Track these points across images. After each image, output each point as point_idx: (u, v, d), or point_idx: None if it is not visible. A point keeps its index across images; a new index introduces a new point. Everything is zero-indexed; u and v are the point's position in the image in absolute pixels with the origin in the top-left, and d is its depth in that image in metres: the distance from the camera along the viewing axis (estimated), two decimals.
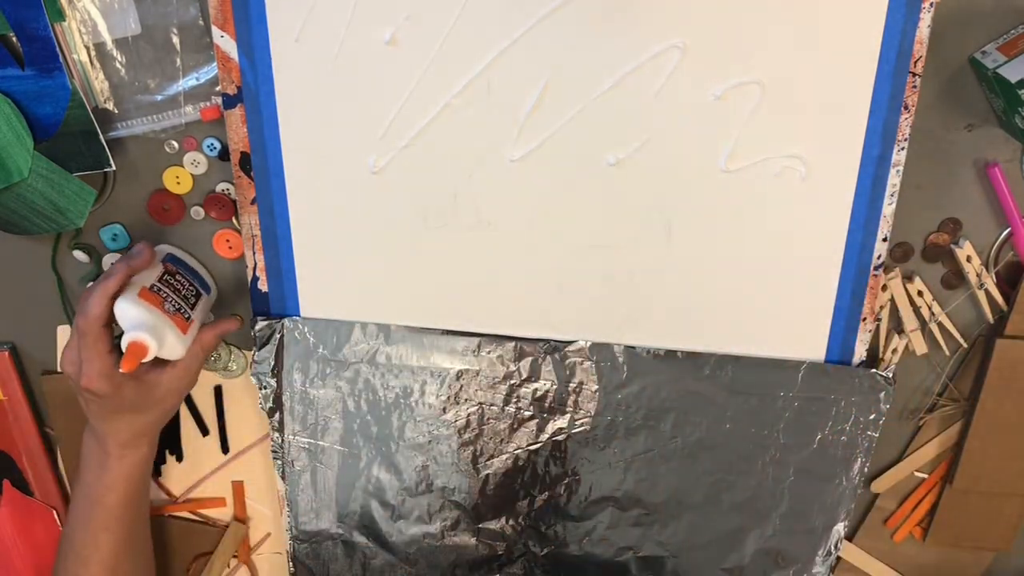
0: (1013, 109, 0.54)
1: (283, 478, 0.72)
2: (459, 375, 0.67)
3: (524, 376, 0.67)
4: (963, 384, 0.68)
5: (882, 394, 0.64)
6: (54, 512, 0.77)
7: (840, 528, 0.68)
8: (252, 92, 0.60)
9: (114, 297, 0.58)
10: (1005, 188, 0.60)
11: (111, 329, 0.59)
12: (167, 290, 0.62)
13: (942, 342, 0.66)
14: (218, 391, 0.73)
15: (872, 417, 0.65)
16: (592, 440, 0.68)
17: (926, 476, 0.72)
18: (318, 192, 0.63)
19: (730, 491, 0.68)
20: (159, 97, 0.61)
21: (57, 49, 0.57)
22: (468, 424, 0.69)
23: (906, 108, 0.56)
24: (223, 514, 0.78)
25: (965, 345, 0.66)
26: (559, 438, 0.68)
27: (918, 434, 0.70)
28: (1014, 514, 0.71)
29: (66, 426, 0.74)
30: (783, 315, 0.63)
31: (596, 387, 0.66)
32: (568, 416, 0.67)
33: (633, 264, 0.63)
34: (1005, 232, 0.62)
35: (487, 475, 0.70)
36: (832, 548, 0.69)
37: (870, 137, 0.57)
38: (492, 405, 0.68)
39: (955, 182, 0.61)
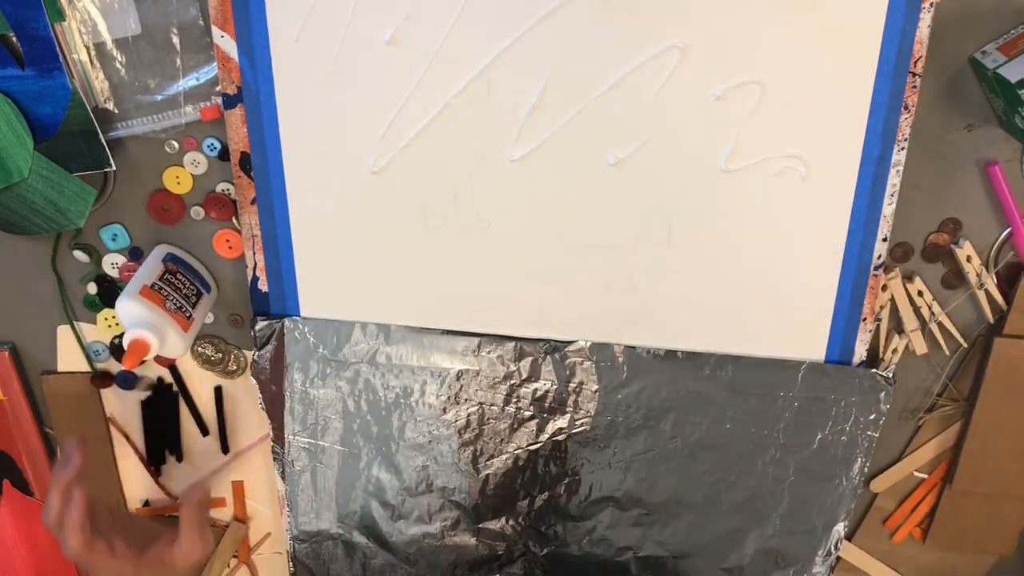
0: (1013, 109, 0.54)
1: (283, 478, 0.72)
2: (459, 375, 0.67)
3: (524, 376, 0.67)
4: (963, 384, 0.68)
5: (882, 394, 0.64)
6: None
7: (840, 528, 0.68)
8: (252, 92, 0.60)
9: (74, 524, 0.58)
10: (1005, 188, 0.60)
11: (102, 542, 0.58)
12: (168, 289, 0.62)
13: (942, 342, 0.66)
14: (218, 391, 0.73)
15: (872, 417, 0.65)
16: (592, 440, 0.68)
17: (926, 476, 0.71)
18: (318, 192, 0.63)
19: (730, 491, 0.68)
20: (159, 97, 0.61)
21: (57, 49, 0.57)
22: (468, 424, 0.69)
23: (906, 108, 0.56)
24: (223, 514, 0.78)
25: (965, 345, 0.66)
26: (559, 438, 0.68)
27: (917, 434, 0.70)
28: (1015, 517, 0.71)
29: (66, 426, 0.74)
30: (783, 315, 0.63)
31: (596, 387, 0.66)
32: (568, 416, 0.67)
33: (633, 264, 0.63)
34: (1005, 232, 0.62)
35: (487, 475, 0.70)
36: (832, 548, 0.69)
37: (870, 137, 0.57)
38: (492, 405, 0.68)
39: (955, 182, 0.61)
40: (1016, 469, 0.68)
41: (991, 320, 0.65)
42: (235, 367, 0.71)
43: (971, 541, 0.72)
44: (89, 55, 0.59)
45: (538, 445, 0.68)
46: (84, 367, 0.73)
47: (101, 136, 0.60)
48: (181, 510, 0.62)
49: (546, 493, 0.70)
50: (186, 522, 0.61)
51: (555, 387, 0.67)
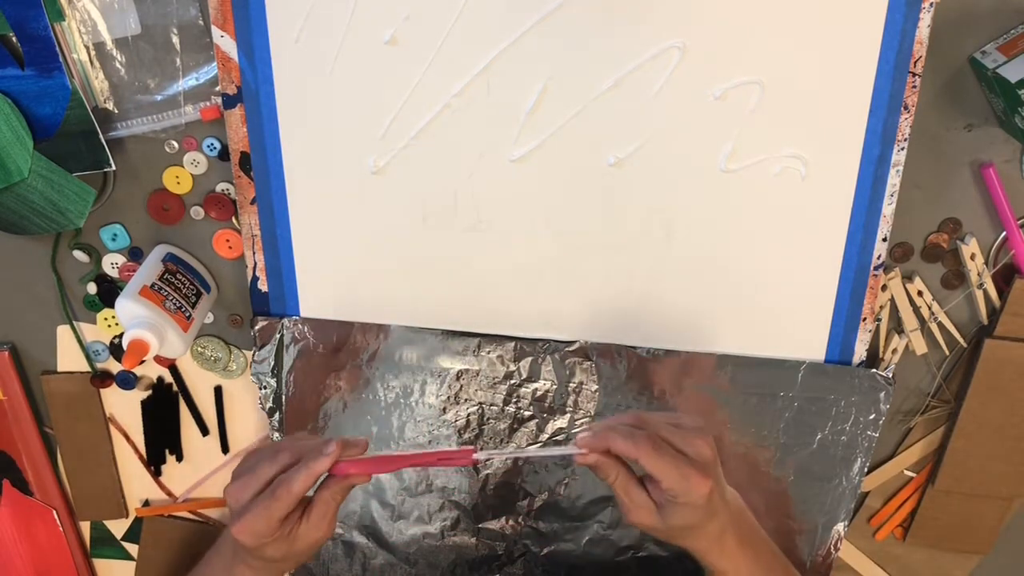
0: (1013, 109, 0.54)
1: None
2: (459, 375, 0.67)
3: (524, 376, 0.67)
4: (955, 385, 0.68)
5: (882, 394, 0.64)
6: (54, 512, 0.77)
7: (840, 528, 0.68)
8: (252, 92, 0.60)
9: (316, 479, 0.52)
10: (1000, 190, 0.60)
11: (295, 510, 0.53)
12: (168, 289, 0.62)
13: (942, 342, 0.66)
14: (218, 391, 0.73)
15: (872, 417, 0.65)
16: None
17: (915, 475, 0.71)
18: (318, 192, 0.63)
19: None
20: (159, 97, 0.61)
21: (57, 49, 0.57)
22: (468, 424, 0.69)
23: (906, 108, 0.56)
24: (223, 514, 0.78)
25: (965, 345, 0.66)
26: (559, 438, 0.68)
27: (910, 433, 0.70)
28: (994, 517, 0.71)
29: (66, 426, 0.74)
30: (783, 315, 0.63)
31: (596, 387, 0.66)
32: (568, 416, 0.67)
33: (633, 264, 0.63)
34: (1003, 235, 0.62)
35: (487, 475, 0.70)
36: (832, 548, 0.69)
37: (870, 137, 0.57)
38: (492, 405, 0.68)
39: (955, 182, 0.61)
40: (998, 470, 0.68)
41: (985, 321, 0.65)
42: (235, 367, 0.71)
43: (950, 540, 0.72)
44: (89, 55, 0.59)
45: (538, 445, 0.68)
46: (84, 367, 0.73)
47: (101, 136, 0.60)
48: (321, 490, 0.54)
49: (546, 493, 0.70)
50: (322, 503, 0.54)
51: (555, 387, 0.67)
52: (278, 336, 0.67)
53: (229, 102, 0.60)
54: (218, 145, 0.63)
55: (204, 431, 0.74)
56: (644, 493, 0.51)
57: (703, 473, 0.49)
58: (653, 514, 0.51)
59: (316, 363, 0.68)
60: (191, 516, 0.78)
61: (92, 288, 0.69)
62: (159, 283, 0.62)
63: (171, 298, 0.62)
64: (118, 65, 0.60)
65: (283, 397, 0.69)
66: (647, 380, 0.66)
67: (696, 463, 0.50)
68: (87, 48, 0.59)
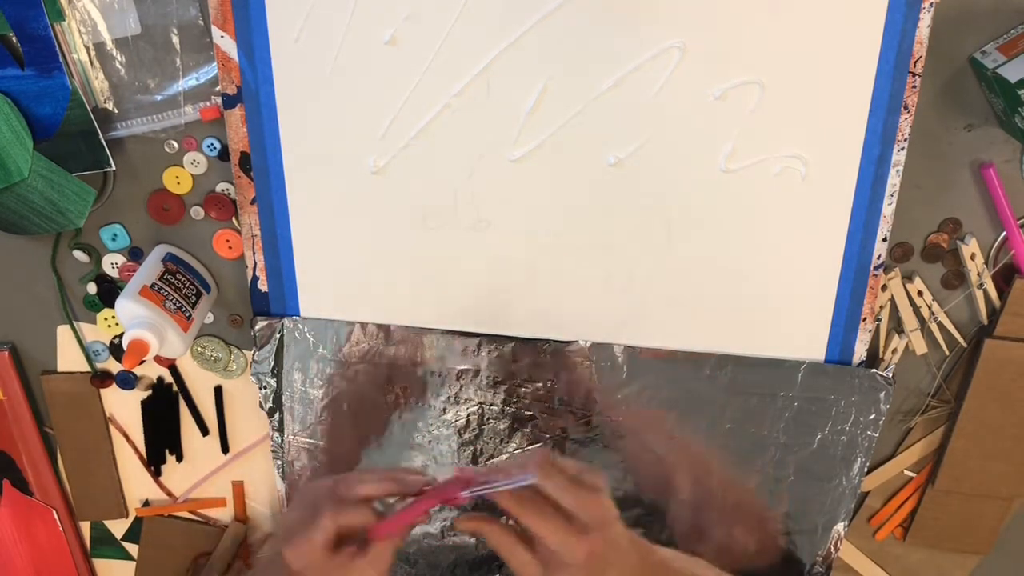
0: (1013, 109, 0.54)
1: (283, 478, 0.72)
2: (459, 375, 0.67)
3: (524, 376, 0.67)
4: (955, 385, 0.68)
5: (882, 394, 0.64)
6: (54, 512, 0.77)
7: (840, 528, 0.68)
8: (252, 92, 0.60)
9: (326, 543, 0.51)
10: (1000, 190, 0.60)
11: (350, 544, 0.52)
12: (168, 289, 0.62)
13: (942, 342, 0.66)
14: (218, 391, 0.73)
15: (872, 417, 0.65)
16: (592, 440, 0.68)
17: (915, 475, 0.72)
18: (318, 192, 0.63)
19: (730, 491, 0.68)
20: (159, 97, 0.61)
21: (57, 49, 0.57)
22: (468, 424, 0.69)
23: (906, 108, 0.56)
24: (223, 514, 0.78)
25: (965, 345, 0.66)
26: (559, 438, 0.68)
27: (910, 433, 0.70)
28: (994, 517, 0.71)
29: (66, 426, 0.74)
30: (783, 315, 0.63)
31: (596, 387, 0.66)
32: (568, 416, 0.67)
33: (633, 264, 0.63)
34: (1003, 235, 0.62)
35: None
36: (832, 548, 0.69)
37: (870, 137, 0.57)
38: (492, 405, 0.68)
39: (955, 182, 0.61)
40: (998, 469, 0.68)
41: (985, 321, 0.65)
42: (235, 367, 0.71)
43: (950, 540, 0.73)
44: (89, 55, 0.59)
45: (538, 445, 0.68)
46: (84, 367, 0.73)
47: (101, 136, 0.60)
48: (378, 544, 0.52)
49: None
50: (378, 558, 0.52)
51: (555, 387, 0.67)
52: (278, 336, 0.67)
53: (229, 102, 0.60)
54: (218, 145, 0.63)
55: (204, 431, 0.74)
56: (528, 554, 0.51)
57: (584, 535, 0.49)
58: (539, 573, 0.51)
59: (316, 363, 0.68)
60: (191, 516, 0.78)
61: (92, 288, 0.69)
62: (159, 283, 0.62)
63: (171, 298, 0.62)
64: (118, 65, 0.60)
65: (283, 397, 0.69)
66: (647, 380, 0.66)
67: (579, 525, 0.49)
68: (87, 48, 0.59)
